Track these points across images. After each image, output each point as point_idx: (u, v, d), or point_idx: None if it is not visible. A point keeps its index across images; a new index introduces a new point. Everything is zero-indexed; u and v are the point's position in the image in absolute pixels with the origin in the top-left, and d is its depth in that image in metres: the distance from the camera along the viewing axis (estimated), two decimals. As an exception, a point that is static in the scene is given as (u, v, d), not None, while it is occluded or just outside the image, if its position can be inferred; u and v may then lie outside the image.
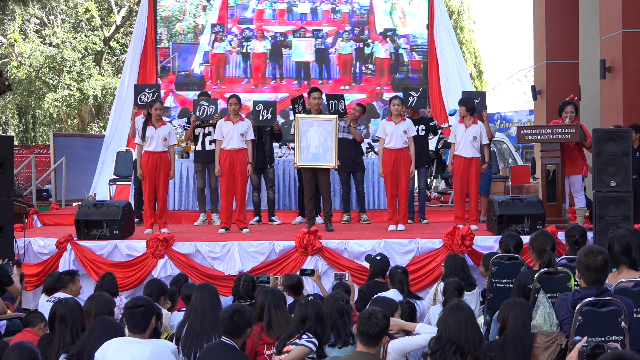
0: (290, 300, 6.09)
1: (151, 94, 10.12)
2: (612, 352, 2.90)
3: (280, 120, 11.88)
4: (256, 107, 10.22)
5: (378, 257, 7.06)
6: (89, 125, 27.97)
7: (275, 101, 11.11)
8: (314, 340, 4.74)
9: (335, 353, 4.76)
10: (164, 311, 6.05)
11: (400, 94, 10.43)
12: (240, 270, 7.99)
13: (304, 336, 4.73)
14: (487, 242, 8.32)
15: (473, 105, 9.24)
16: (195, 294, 5.18)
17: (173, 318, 6.19)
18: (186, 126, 11.13)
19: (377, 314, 4.14)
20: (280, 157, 10.84)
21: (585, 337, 2.95)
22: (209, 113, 10.46)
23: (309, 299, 4.97)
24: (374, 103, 15.10)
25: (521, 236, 6.91)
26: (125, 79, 14.75)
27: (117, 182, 12.81)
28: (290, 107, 11.45)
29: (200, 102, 10.56)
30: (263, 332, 5.15)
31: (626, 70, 11.62)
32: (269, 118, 10.15)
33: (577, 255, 4.27)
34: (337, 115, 9.70)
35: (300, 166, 9.55)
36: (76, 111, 27.36)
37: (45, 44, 26.30)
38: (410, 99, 10.28)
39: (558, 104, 9.64)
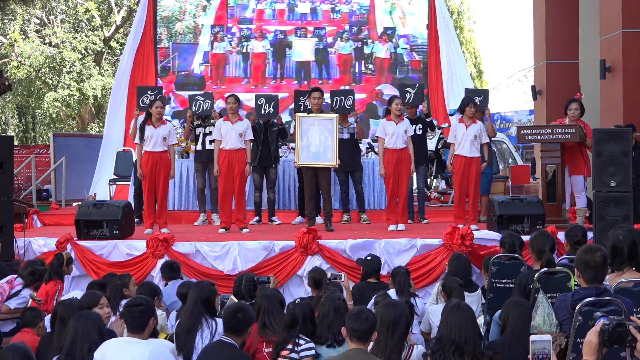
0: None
1: (153, 96, 10.14)
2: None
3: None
4: (258, 101, 10.20)
5: (369, 258, 7.08)
6: (89, 125, 27.98)
7: (277, 95, 11.05)
8: (311, 343, 4.74)
9: (334, 353, 4.76)
10: (159, 312, 6.07)
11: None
12: (240, 270, 7.99)
13: (301, 341, 4.71)
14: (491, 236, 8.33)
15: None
16: (191, 292, 5.19)
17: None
18: (184, 124, 11.14)
19: (365, 311, 4.20)
20: (280, 157, 10.86)
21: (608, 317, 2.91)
22: (205, 108, 10.47)
23: (297, 301, 4.97)
24: (375, 103, 15.10)
25: (521, 236, 6.91)
26: (120, 79, 14.74)
27: (117, 182, 12.81)
28: (292, 105, 11.42)
29: (196, 97, 10.60)
30: (262, 332, 5.16)
31: (626, 70, 11.63)
32: (271, 112, 10.14)
33: (577, 253, 4.27)
34: (337, 115, 9.69)
35: (300, 165, 9.55)
36: (76, 111, 27.36)
37: (45, 44, 26.30)
38: (408, 95, 10.24)
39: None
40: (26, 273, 6.53)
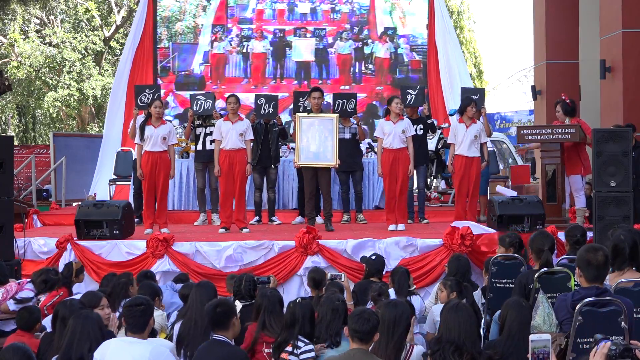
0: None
1: (151, 95, 10.12)
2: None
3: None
4: (258, 101, 10.21)
5: (373, 257, 7.09)
6: (88, 125, 27.98)
7: (277, 95, 11.04)
8: (311, 345, 4.74)
9: (332, 353, 4.76)
10: (159, 311, 6.07)
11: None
12: (239, 269, 7.99)
13: (301, 343, 4.71)
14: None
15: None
16: (192, 292, 5.19)
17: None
18: (185, 124, 11.13)
19: (367, 311, 4.21)
20: (280, 157, 10.87)
21: (612, 341, 2.86)
22: (206, 107, 10.47)
23: (297, 300, 4.97)
24: (375, 103, 15.10)
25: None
26: (120, 79, 14.72)
27: (117, 182, 12.81)
28: (292, 105, 11.42)
29: (197, 97, 10.60)
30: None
31: (626, 70, 11.64)
32: (270, 112, 10.14)
33: (578, 252, 4.27)
34: (337, 114, 9.69)
35: (300, 165, 9.56)
36: (76, 111, 27.37)
37: (45, 44, 26.30)
38: (409, 97, 10.24)
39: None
40: (39, 281, 6.49)
